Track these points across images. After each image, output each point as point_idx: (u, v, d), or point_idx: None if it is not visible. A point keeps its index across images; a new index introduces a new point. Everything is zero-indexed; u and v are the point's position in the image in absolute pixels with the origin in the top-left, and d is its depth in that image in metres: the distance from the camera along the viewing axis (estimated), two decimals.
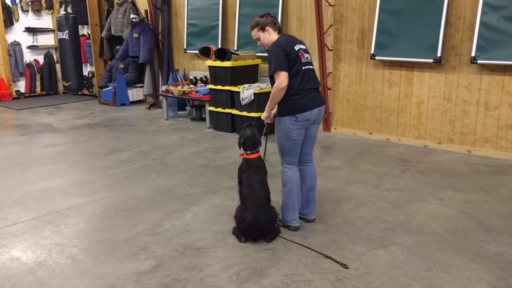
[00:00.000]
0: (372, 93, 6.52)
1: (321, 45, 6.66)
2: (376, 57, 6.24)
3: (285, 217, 3.76)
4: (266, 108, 3.71)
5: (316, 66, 6.85)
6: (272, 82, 3.57)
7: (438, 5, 5.63)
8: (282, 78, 3.45)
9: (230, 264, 3.23)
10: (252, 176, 3.58)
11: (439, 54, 5.68)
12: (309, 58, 3.67)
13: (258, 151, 3.67)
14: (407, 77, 6.14)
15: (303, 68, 3.56)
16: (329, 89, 6.87)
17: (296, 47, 3.56)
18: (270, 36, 3.65)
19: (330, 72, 6.83)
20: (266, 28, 3.64)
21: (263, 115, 3.78)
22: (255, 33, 3.70)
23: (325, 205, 4.27)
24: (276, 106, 3.66)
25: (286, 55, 3.48)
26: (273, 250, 3.43)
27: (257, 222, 3.46)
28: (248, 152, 3.64)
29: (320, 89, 3.78)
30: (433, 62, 5.76)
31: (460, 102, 5.77)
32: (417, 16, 5.81)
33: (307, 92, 3.56)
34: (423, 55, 5.82)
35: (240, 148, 3.70)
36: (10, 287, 2.99)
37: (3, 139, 7.05)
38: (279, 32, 3.72)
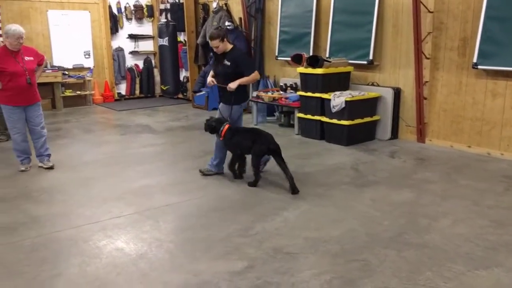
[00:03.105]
0: (472, 104, 6.16)
1: (418, 53, 6.42)
2: (479, 66, 5.89)
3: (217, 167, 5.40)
4: (238, 82, 4.99)
5: (411, 74, 6.68)
6: (236, 76, 5.04)
7: None
8: (257, 73, 5.20)
9: (321, 272, 3.22)
10: (241, 132, 5.11)
11: None
12: None
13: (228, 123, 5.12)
14: None
15: None
16: (425, 98, 6.60)
17: None
18: (227, 45, 5.05)
19: (427, 81, 6.56)
20: (224, 38, 5.02)
21: (233, 86, 4.99)
22: (216, 43, 4.95)
23: (420, 219, 4.10)
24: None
25: None
26: (365, 261, 3.37)
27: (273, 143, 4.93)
28: (222, 128, 5.05)
29: None
30: None
31: None
32: None
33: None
34: None
35: (218, 133, 5.10)
36: (116, 275, 3.22)
37: (107, 137, 7.61)
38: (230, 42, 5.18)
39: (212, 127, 5.12)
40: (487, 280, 3.09)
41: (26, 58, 5.47)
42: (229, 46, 5.10)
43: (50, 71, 9.87)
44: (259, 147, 4.88)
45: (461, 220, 4.05)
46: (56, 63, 10.41)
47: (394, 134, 7.06)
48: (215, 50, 5.06)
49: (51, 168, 5.74)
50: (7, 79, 5.34)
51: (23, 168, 5.68)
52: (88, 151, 6.67)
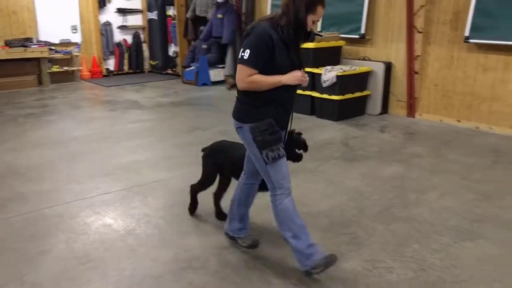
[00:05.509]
0: (463, 78, 6.14)
1: (410, 26, 6.36)
2: (471, 40, 5.84)
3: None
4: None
5: (403, 48, 6.62)
6: None
7: None
8: None
9: None
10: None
11: None
12: None
13: None
14: (505, 62, 5.70)
15: None
16: (416, 73, 6.57)
17: None
18: None
19: (418, 55, 6.51)
20: None
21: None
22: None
23: (408, 193, 4.12)
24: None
25: None
26: (354, 234, 3.39)
27: None
28: None
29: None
30: None
31: None
32: None
33: None
34: None
35: None
36: (103, 250, 3.21)
37: (95, 113, 7.52)
38: None
39: None
40: (473, 252, 3.12)
41: None
42: None
43: (37, 46, 9.66)
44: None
45: (449, 194, 4.08)
46: (42, 38, 10.16)
47: (384, 109, 7.05)
48: (315, 23, 2.76)
49: None
50: None
51: None
52: (76, 127, 6.59)
